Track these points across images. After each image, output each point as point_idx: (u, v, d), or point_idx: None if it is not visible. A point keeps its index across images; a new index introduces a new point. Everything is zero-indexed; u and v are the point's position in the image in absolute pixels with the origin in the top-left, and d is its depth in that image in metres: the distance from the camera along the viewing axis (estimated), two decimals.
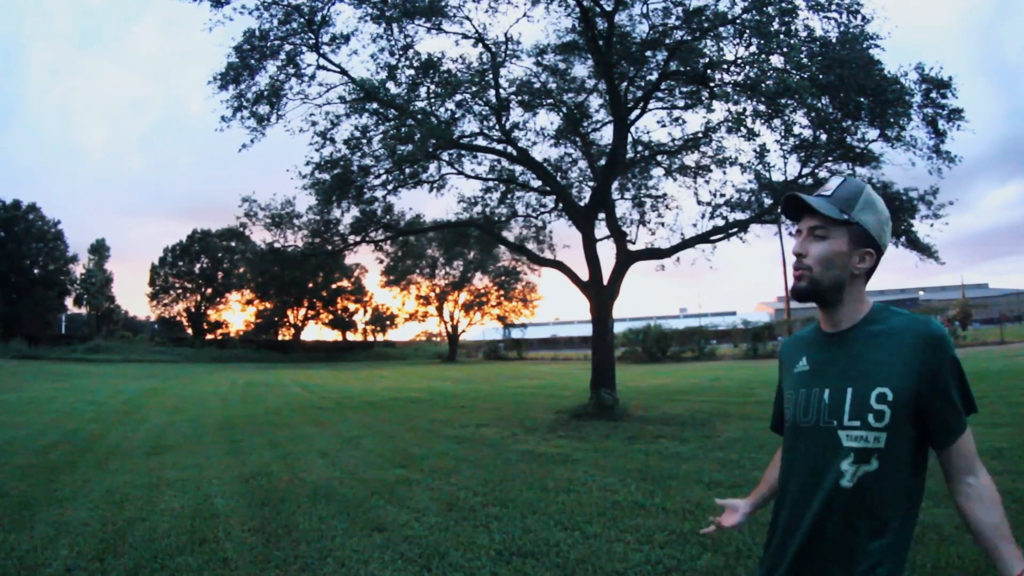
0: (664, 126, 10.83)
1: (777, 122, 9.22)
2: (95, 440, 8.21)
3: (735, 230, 10.53)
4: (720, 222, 10.58)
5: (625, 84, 9.84)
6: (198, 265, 50.75)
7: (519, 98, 10.46)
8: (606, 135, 11.45)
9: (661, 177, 11.93)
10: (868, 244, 1.21)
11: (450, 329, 46.93)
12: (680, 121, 10.71)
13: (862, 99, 8.18)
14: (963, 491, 1.18)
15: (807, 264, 1.22)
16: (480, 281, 44.92)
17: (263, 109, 9.58)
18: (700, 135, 10.67)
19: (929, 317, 1.20)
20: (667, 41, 8.77)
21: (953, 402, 1.15)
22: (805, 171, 9.81)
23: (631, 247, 10.80)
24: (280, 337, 51.50)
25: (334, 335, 54.05)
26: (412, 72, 9.81)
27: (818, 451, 1.20)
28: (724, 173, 11.24)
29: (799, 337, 1.36)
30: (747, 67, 8.41)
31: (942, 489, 4.56)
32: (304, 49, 9.52)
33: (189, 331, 51.53)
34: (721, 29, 8.24)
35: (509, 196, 12.26)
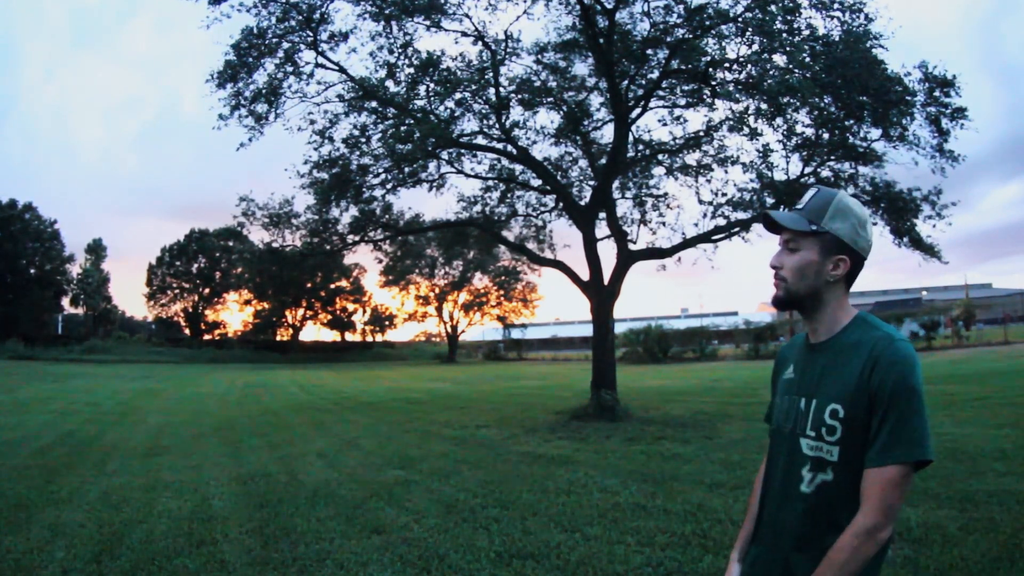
0: (665, 125, 10.80)
1: (779, 121, 9.18)
2: (92, 441, 8.17)
3: (737, 229, 10.47)
4: (722, 221, 10.52)
5: (626, 82, 9.79)
6: (196, 265, 50.72)
7: (519, 96, 10.39)
8: (607, 134, 11.42)
9: (662, 176, 11.87)
10: (841, 251, 1.23)
11: (449, 329, 46.90)
12: (681, 120, 10.68)
13: (864, 98, 8.14)
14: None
15: (783, 275, 1.27)
16: (480, 281, 44.96)
17: (261, 107, 9.55)
18: (701, 134, 10.62)
19: (896, 336, 1.17)
20: (668, 39, 8.73)
21: (882, 431, 1.12)
22: (807, 170, 9.77)
23: (632, 247, 10.75)
24: (278, 337, 51.41)
25: (333, 335, 54.08)
26: (411, 70, 9.76)
27: (788, 457, 1.27)
28: (726, 172, 11.13)
29: (793, 343, 1.41)
30: (749, 65, 8.37)
31: (945, 490, 4.48)
32: (302, 47, 9.49)
33: (187, 331, 51.52)
34: (723, 27, 8.21)
35: (509, 195, 12.20)
